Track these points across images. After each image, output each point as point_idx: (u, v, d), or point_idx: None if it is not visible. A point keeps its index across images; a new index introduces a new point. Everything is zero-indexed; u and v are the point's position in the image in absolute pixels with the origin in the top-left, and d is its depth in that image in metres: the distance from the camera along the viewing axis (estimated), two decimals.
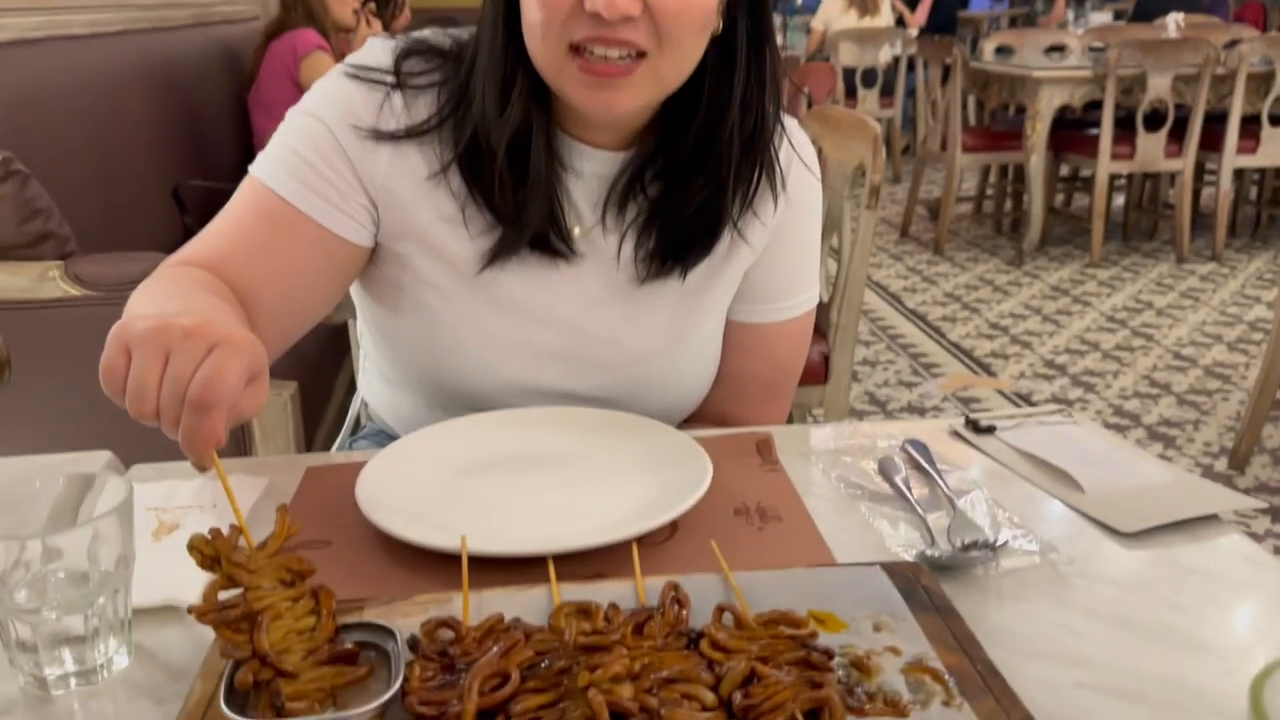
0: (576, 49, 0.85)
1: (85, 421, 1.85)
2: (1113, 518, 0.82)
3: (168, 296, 0.84)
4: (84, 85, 2.58)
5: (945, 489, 0.86)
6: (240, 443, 1.91)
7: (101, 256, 1.84)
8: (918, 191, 5.50)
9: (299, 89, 3.28)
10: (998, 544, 0.77)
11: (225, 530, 0.62)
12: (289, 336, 0.97)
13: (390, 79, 0.95)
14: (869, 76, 6.56)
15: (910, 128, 6.88)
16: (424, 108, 0.95)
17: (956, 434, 0.99)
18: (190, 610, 0.60)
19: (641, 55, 0.86)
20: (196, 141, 3.23)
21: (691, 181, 0.96)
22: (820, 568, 0.74)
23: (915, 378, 3.48)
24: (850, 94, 6.48)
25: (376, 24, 4.14)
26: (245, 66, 3.59)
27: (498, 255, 0.96)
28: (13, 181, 1.76)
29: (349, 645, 0.61)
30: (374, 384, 1.15)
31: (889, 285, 4.57)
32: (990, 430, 0.98)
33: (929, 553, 0.76)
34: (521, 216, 0.94)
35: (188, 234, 2.99)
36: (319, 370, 2.32)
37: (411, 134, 0.94)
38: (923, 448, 0.94)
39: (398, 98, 0.94)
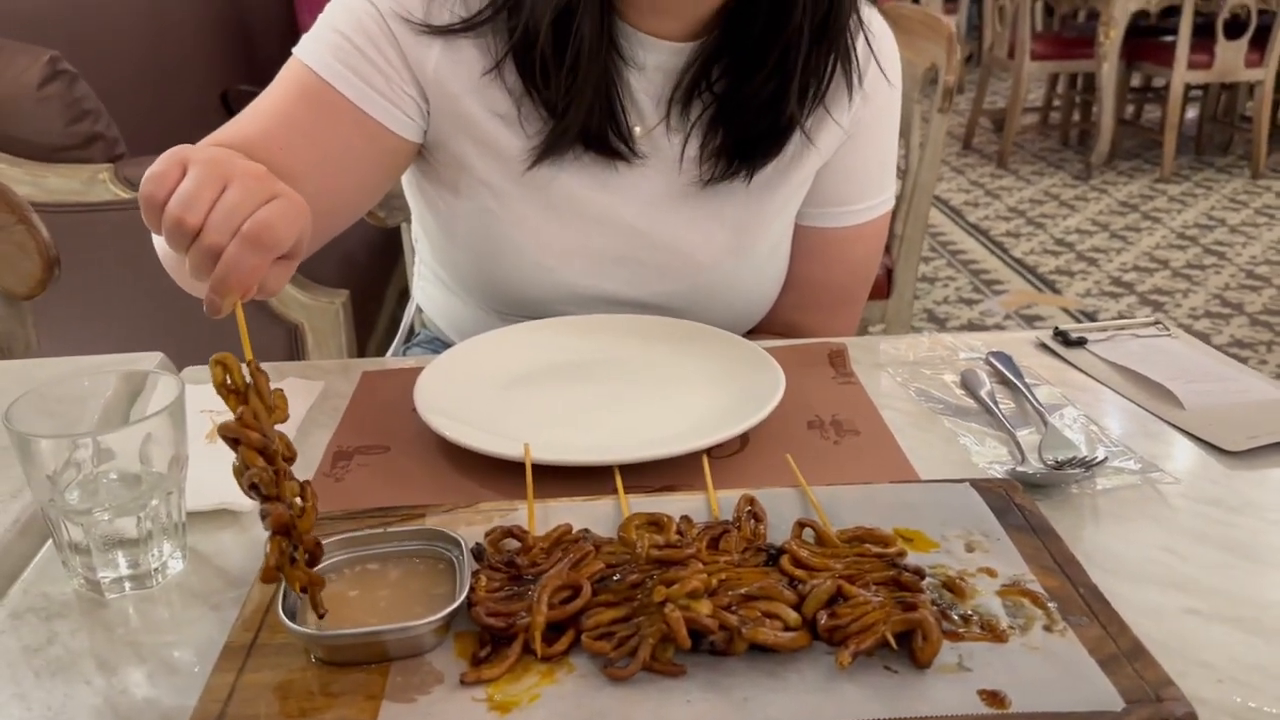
0: None
1: (138, 324, 1.84)
2: (1216, 435, 0.77)
3: None
4: None
5: (1035, 404, 0.81)
6: (293, 348, 1.90)
7: (150, 159, 1.81)
8: (982, 101, 5.31)
9: None
10: (1095, 462, 0.72)
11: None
12: (326, 229, 0.91)
13: None
14: None
15: (974, 34, 6.63)
16: None
17: (1044, 346, 0.94)
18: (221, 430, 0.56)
19: None
20: (244, 45, 3.18)
21: (760, 73, 0.90)
22: (905, 483, 0.70)
23: (976, 295, 3.39)
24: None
25: None
26: None
27: (550, 150, 0.91)
28: (60, 81, 1.72)
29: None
30: (429, 289, 1.11)
31: (950, 199, 4.44)
32: (1081, 343, 0.93)
33: (1021, 469, 0.71)
34: (572, 107, 0.88)
35: None
36: (371, 277, 2.29)
37: (467, 26, 0.88)
38: (1008, 360, 0.88)
39: None
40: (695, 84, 0.92)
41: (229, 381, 0.56)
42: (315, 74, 0.88)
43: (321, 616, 0.55)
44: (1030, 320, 3.17)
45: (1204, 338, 3.00)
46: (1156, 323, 0.97)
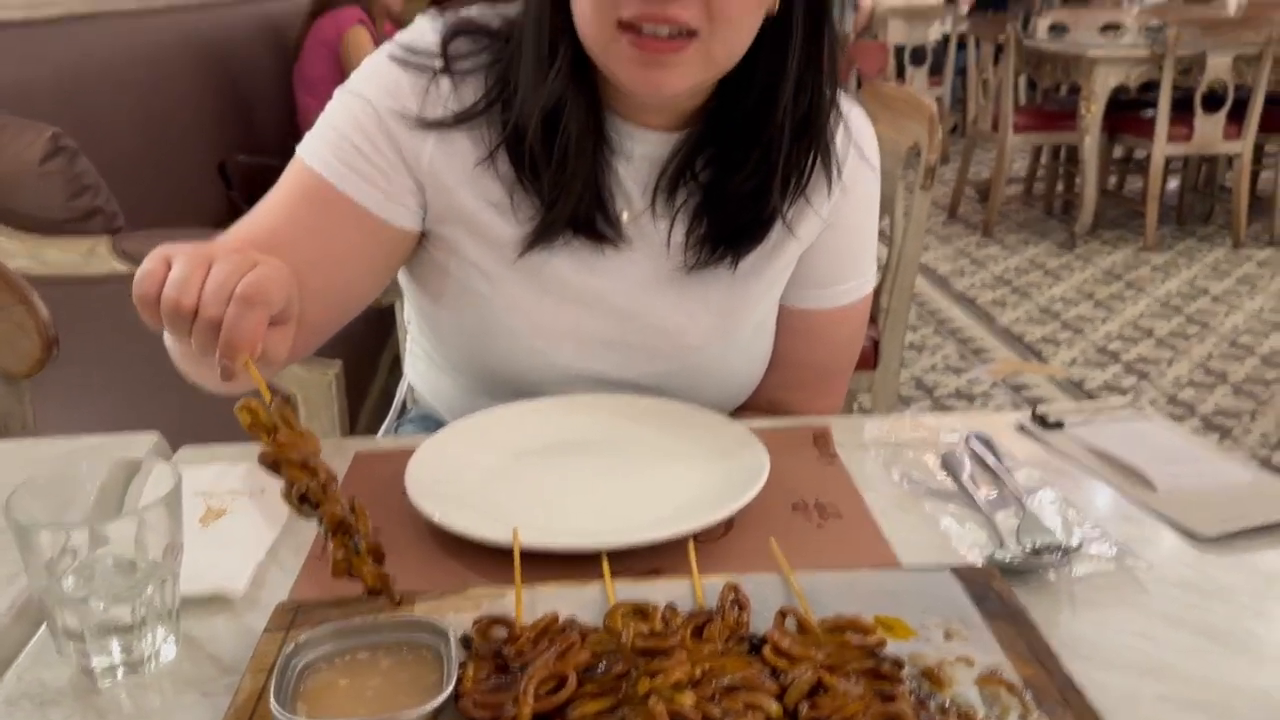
0: (626, 26, 0.82)
1: (134, 396, 1.85)
2: (1190, 520, 0.79)
3: None
4: (132, 60, 2.59)
5: (1013, 487, 0.83)
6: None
7: (149, 233, 1.84)
8: (967, 172, 5.40)
9: (340, 65, 3.27)
10: (1071, 547, 0.73)
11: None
12: (336, 320, 0.95)
13: (437, 63, 0.92)
14: (918, 54, 6.46)
15: (959, 107, 6.76)
16: (471, 92, 0.92)
17: (1023, 428, 0.96)
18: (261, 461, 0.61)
19: (692, 34, 0.82)
20: (242, 116, 3.23)
21: (743, 166, 0.93)
22: (886, 570, 0.71)
23: (964, 363, 3.42)
24: (899, 73, 6.37)
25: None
26: (290, 41, 3.59)
27: (540, 237, 0.94)
28: (62, 157, 1.76)
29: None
30: (421, 368, 1.13)
31: (937, 268, 4.50)
32: (1058, 425, 0.95)
33: (999, 555, 0.72)
34: (561, 197, 0.91)
35: (233, 208, 3.01)
36: (364, 349, 2.31)
37: (458, 120, 0.92)
38: (988, 442, 0.90)
39: (444, 82, 0.92)
40: (680, 173, 0.95)
41: (257, 421, 0.59)
42: (317, 174, 0.91)
43: (398, 603, 0.58)
44: (1017, 389, 3.20)
45: (1189, 407, 3.03)
46: (1133, 405, 0.99)
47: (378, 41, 3.31)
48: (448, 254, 0.97)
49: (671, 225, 0.97)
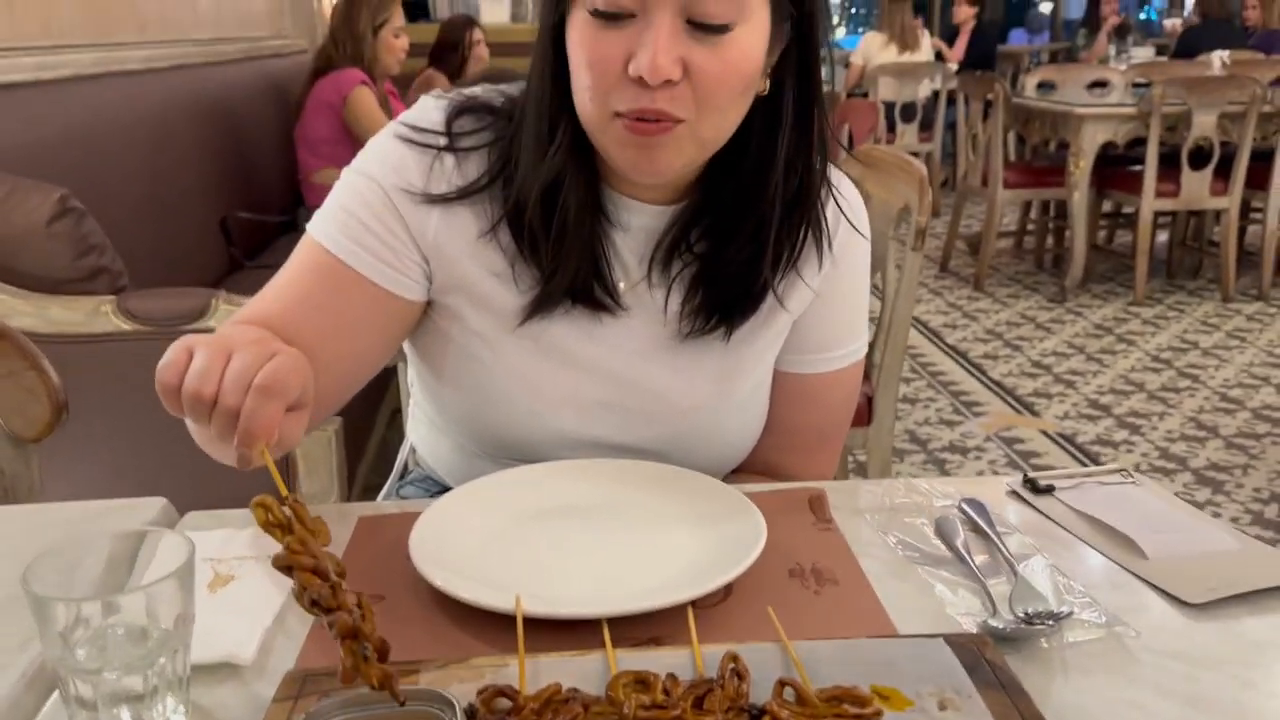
0: (620, 112, 0.86)
1: (135, 453, 1.87)
2: (1178, 587, 0.80)
3: None
4: (137, 119, 2.63)
5: (1005, 553, 0.84)
6: (285, 476, 1.92)
7: (152, 292, 1.86)
8: (958, 226, 5.47)
9: (344, 125, 3.32)
10: (1062, 615, 0.75)
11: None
12: (347, 390, 0.98)
13: (442, 140, 0.95)
14: (908, 111, 6.55)
15: (949, 161, 6.86)
16: (474, 168, 0.95)
17: (1014, 493, 0.98)
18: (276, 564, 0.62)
19: (681, 120, 0.86)
20: (244, 173, 3.28)
21: (736, 239, 0.96)
22: (882, 639, 0.73)
23: (957, 416, 3.44)
24: (889, 128, 6.46)
25: (442, 78, 4.22)
26: (293, 99, 3.65)
27: (540, 306, 0.97)
28: (69, 218, 1.79)
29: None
30: (423, 431, 1.15)
31: (929, 321, 4.54)
32: (1049, 490, 0.97)
33: (992, 623, 0.74)
34: (560, 268, 0.94)
35: (233, 264, 3.04)
36: (362, 406, 2.33)
37: (462, 195, 0.95)
38: (981, 508, 0.92)
39: (449, 159, 0.95)
40: (675, 245, 0.98)
41: (271, 518, 0.61)
42: (327, 251, 0.94)
43: (403, 704, 0.59)
44: (1010, 443, 3.22)
45: (1181, 461, 3.05)
46: (1121, 470, 1.01)
47: (380, 100, 3.37)
48: (451, 322, 1.00)
49: (668, 295, 0.99)
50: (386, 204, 0.95)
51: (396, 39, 3.48)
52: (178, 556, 0.66)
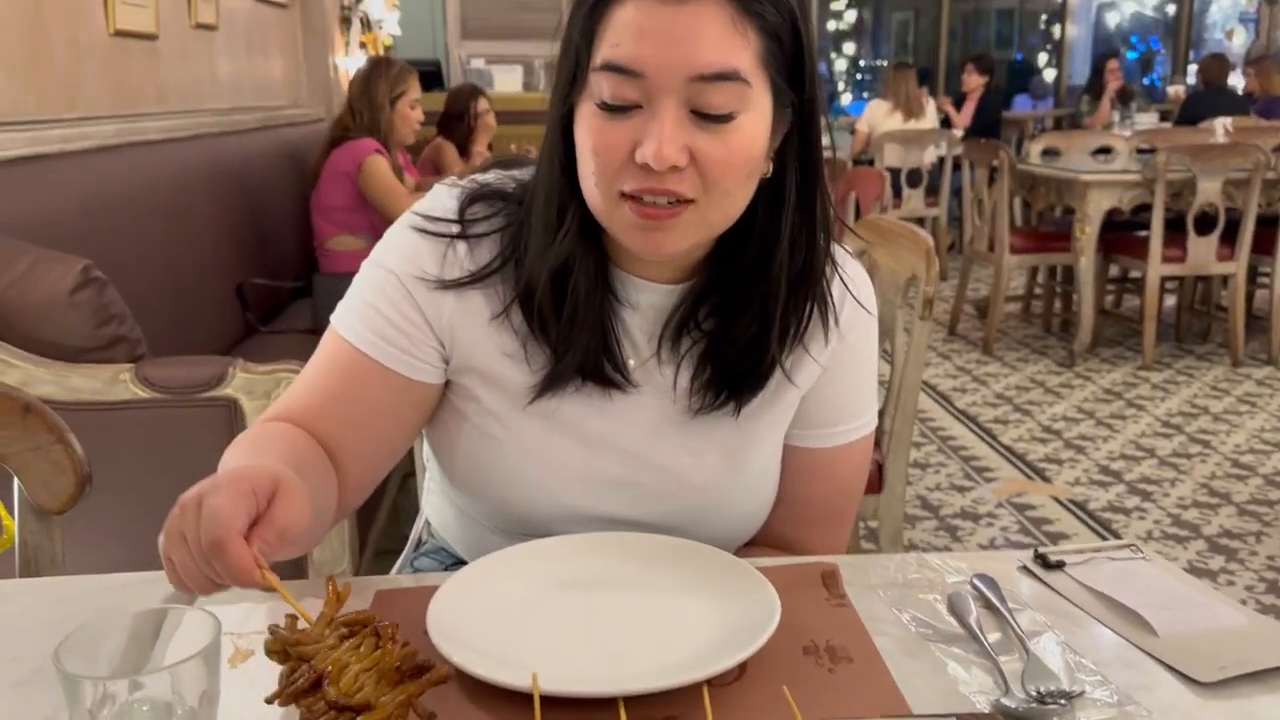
0: (627, 195, 0.89)
1: (155, 521, 1.88)
2: (1189, 665, 0.81)
3: (244, 455, 0.91)
4: (156, 188, 2.69)
5: (1017, 630, 0.85)
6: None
7: (169, 360, 1.89)
8: (965, 290, 5.50)
9: (358, 193, 3.38)
10: (1074, 694, 0.76)
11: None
12: (376, 474, 1.02)
13: (454, 228, 0.99)
14: (914, 176, 6.63)
15: (956, 225, 6.92)
16: (486, 252, 0.99)
17: (1025, 569, 0.98)
18: (268, 700, 0.67)
19: (689, 201, 0.89)
20: (260, 239, 3.33)
21: (743, 317, 0.98)
22: (896, 719, 0.73)
23: (968, 482, 3.44)
24: (895, 193, 6.53)
25: (450, 147, 4.30)
26: (309, 167, 3.72)
27: (551, 384, 0.99)
28: (91, 288, 1.82)
29: (420, 658, 0.69)
30: (437, 503, 1.16)
31: (938, 385, 4.55)
32: (1059, 566, 0.97)
33: (1005, 702, 0.75)
34: (571, 348, 0.97)
35: (248, 329, 3.08)
36: None
37: (475, 279, 0.98)
38: (993, 584, 0.93)
39: (461, 245, 0.99)
40: (684, 323, 1.00)
41: (277, 649, 0.65)
42: (349, 344, 0.98)
43: None
44: (1021, 509, 3.21)
45: (1193, 528, 3.04)
46: (1131, 545, 1.02)
47: (395, 168, 3.43)
48: (466, 401, 1.02)
49: (677, 371, 1.02)
50: (404, 293, 0.98)
51: (412, 110, 3.56)
52: (203, 634, 0.68)
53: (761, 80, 0.88)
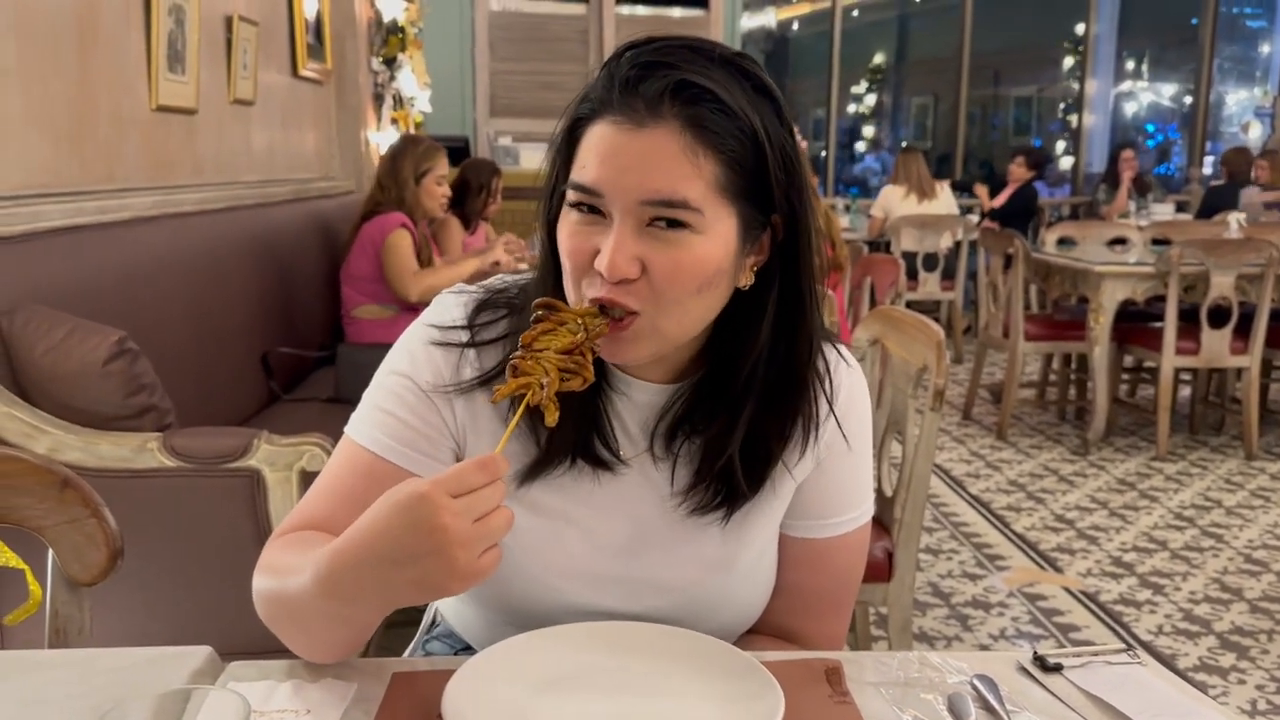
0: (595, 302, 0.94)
1: (178, 589, 1.91)
2: None
3: (295, 557, 0.95)
4: (190, 259, 2.77)
5: None
6: None
7: (197, 431, 1.94)
8: (980, 375, 5.53)
9: (380, 263, 3.47)
10: None
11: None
12: None
13: (464, 336, 1.04)
14: (930, 260, 6.70)
15: (972, 308, 6.96)
16: (492, 356, 1.04)
17: (1024, 670, 1.01)
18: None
19: (635, 313, 0.93)
20: (288, 309, 3.40)
21: (735, 419, 1.01)
22: None
23: (979, 570, 3.43)
24: (911, 276, 6.60)
25: (457, 223, 4.40)
26: (339, 237, 3.81)
27: (542, 465, 1.03)
28: (124, 359, 1.88)
29: None
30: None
31: (951, 469, 4.56)
32: (1057, 669, 1.00)
33: None
34: (562, 427, 0.97)
35: (271, 396, 3.14)
36: None
37: (482, 382, 1.03)
38: (992, 685, 0.95)
39: (471, 352, 1.04)
40: (677, 421, 1.04)
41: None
42: (366, 450, 1.03)
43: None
44: (1033, 599, 3.20)
45: (1205, 624, 3.02)
46: (1129, 649, 1.04)
47: (416, 241, 3.51)
48: None
49: (673, 470, 1.05)
50: (419, 396, 1.03)
51: (439, 186, 3.66)
52: (231, 715, 0.71)
53: (718, 206, 0.92)
